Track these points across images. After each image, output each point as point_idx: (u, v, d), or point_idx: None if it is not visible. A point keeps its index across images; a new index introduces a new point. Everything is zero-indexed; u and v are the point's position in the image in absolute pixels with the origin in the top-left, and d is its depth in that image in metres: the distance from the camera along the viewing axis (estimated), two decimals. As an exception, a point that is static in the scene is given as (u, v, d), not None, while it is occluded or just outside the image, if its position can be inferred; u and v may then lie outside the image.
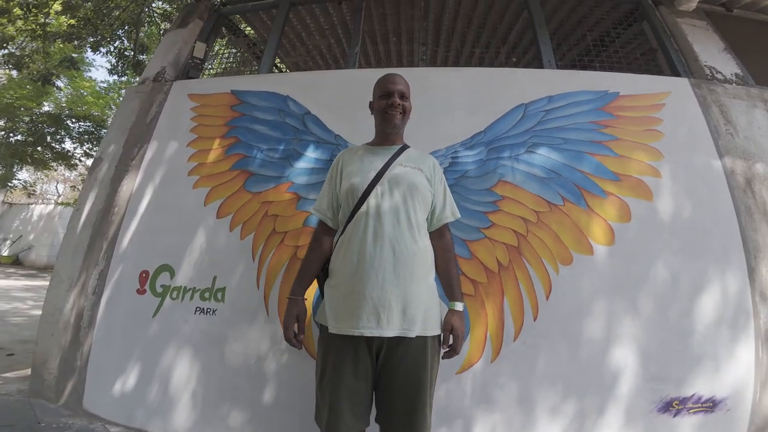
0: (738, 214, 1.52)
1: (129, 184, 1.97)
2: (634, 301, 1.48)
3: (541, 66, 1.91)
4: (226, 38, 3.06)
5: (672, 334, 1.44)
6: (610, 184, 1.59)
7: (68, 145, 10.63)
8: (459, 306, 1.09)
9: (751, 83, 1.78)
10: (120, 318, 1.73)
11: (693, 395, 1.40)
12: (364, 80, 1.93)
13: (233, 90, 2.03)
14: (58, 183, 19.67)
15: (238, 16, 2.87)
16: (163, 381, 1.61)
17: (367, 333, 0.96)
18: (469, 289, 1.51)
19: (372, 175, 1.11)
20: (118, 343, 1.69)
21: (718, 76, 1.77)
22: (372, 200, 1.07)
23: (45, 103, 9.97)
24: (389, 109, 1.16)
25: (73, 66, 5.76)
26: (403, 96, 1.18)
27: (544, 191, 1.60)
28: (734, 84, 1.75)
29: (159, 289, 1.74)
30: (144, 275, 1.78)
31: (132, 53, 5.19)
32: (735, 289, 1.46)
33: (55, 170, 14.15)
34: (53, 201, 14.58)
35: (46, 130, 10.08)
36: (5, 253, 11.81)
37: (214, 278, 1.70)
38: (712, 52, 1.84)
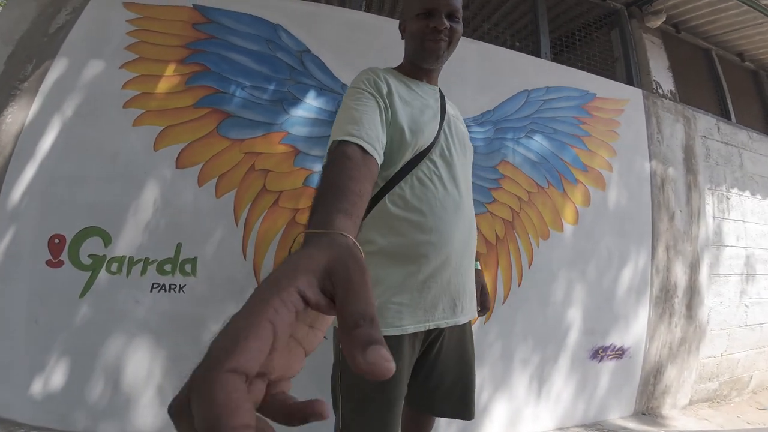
0: (652, 206, 2.01)
1: (18, 114, 1.29)
2: (584, 271, 1.83)
3: (538, 55, 2.01)
4: None
5: (603, 297, 1.86)
6: (581, 173, 1.87)
7: None
8: (479, 265, 1.04)
9: (677, 100, 2.27)
10: (21, 299, 1.21)
11: (611, 345, 1.87)
12: (372, 26, 1.70)
13: (196, 4, 1.49)
14: None
15: None
16: (110, 376, 1.23)
17: (443, 324, 0.77)
18: (473, 262, 1.60)
19: (436, 123, 0.81)
20: (23, 332, 1.19)
21: (659, 90, 2.21)
22: (441, 159, 0.79)
23: None
24: (430, 36, 0.78)
25: None
26: (453, 15, 0.80)
27: (535, 174, 1.77)
28: (668, 99, 2.21)
29: (86, 261, 1.27)
30: (57, 241, 1.26)
31: None
32: (642, 264, 1.97)
33: None
34: None
35: None
36: None
37: (179, 246, 1.33)
38: (659, 68, 2.25)
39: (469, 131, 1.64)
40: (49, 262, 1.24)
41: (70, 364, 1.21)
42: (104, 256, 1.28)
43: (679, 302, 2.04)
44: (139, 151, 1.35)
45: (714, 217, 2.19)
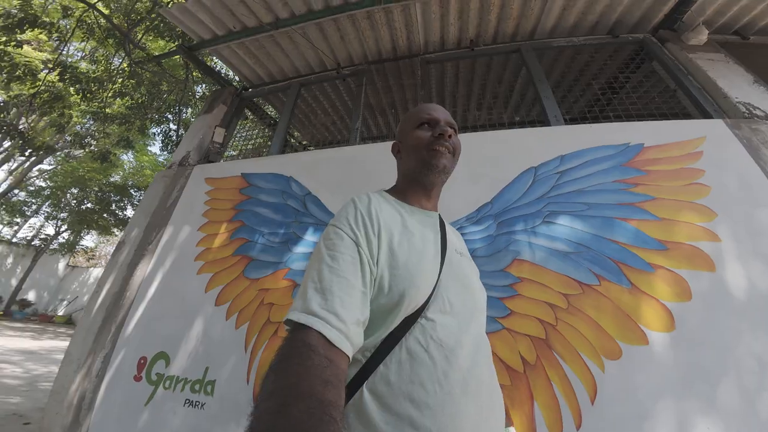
0: (839, 285, 1.16)
1: (142, 269, 2.00)
2: (711, 397, 1.11)
3: (547, 123, 1.77)
4: (250, 119, 3.27)
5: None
6: (656, 254, 1.32)
7: (129, 211, 12.12)
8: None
9: (793, 115, 1.49)
10: (116, 403, 1.64)
11: None
12: (363, 156, 1.91)
13: (243, 173, 2.09)
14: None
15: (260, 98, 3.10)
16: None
17: None
18: (488, 393, 1.23)
19: (436, 269, 0.65)
20: (112, 429, 1.58)
21: (757, 112, 1.51)
22: (441, 314, 0.61)
23: (113, 175, 11.63)
24: (436, 143, 0.73)
25: (129, 145, 6.63)
26: (453, 128, 0.77)
27: (572, 269, 1.34)
28: (776, 118, 1.48)
29: (154, 377, 1.64)
30: (142, 361, 1.71)
31: (176, 133, 5.85)
32: None
33: (116, 235, 15.84)
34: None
35: (112, 198, 11.64)
36: (60, 313, 12.87)
37: (206, 369, 1.58)
38: (741, 86, 1.60)
39: (462, 233, 1.53)
40: (134, 377, 1.68)
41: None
42: (163, 374, 1.64)
43: None
44: (196, 294, 1.80)
45: None
